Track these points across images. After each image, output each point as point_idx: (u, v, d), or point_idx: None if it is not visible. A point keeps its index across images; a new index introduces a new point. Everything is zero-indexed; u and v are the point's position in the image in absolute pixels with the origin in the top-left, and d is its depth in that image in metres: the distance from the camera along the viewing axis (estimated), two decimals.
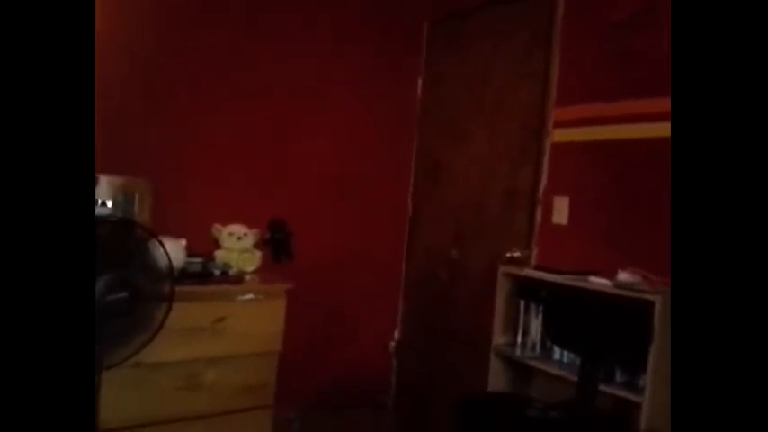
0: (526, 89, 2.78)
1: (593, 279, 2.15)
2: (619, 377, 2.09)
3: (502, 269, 2.52)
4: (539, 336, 2.42)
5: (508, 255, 2.70)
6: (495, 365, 2.49)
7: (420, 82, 3.41)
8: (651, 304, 1.88)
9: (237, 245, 2.57)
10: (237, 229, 2.59)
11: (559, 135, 2.60)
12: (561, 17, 2.62)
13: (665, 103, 2.18)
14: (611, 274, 2.15)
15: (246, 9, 2.82)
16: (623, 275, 2.13)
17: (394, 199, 3.41)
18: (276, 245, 2.64)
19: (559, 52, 2.62)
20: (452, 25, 3.25)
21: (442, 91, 3.28)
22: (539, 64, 2.72)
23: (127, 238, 1.82)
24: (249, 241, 2.60)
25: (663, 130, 2.19)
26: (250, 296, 2.39)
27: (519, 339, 2.49)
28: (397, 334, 3.45)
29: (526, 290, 2.47)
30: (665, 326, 1.87)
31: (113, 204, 2.26)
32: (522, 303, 2.48)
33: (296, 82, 3.00)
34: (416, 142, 3.43)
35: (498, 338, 2.51)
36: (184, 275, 2.23)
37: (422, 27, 3.41)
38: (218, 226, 2.61)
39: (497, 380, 2.49)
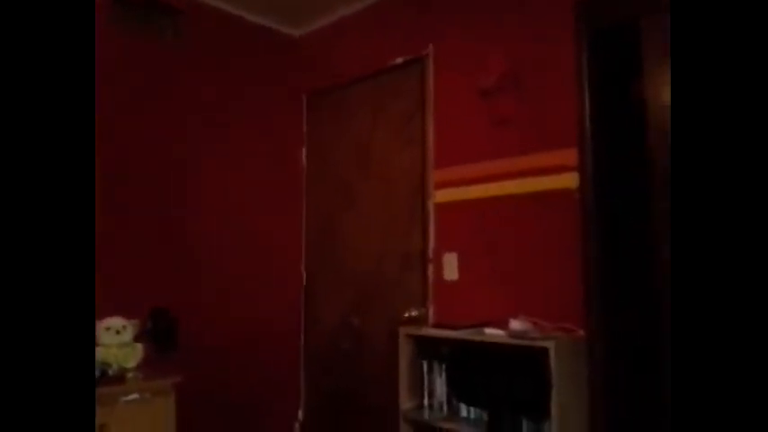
0: (407, 154, 2.88)
1: (488, 331, 2.19)
2: (525, 427, 2.10)
3: (402, 331, 2.50)
4: (445, 395, 2.40)
5: (406, 315, 2.70)
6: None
7: (304, 151, 3.43)
8: (545, 351, 1.94)
9: (116, 339, 2.34)
10: (115, 321, 2.36)
11: (440, 195, 2.71)
12: (433, 86, 2.78)
13: (530, 161, 2.38)
14: (504, 324, 2.21)
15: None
16: (515, 324, 2.19)
17: (285, 270, 3.32)
18: (158, 335, 2.44)
19: (433, 118, 2.76)
20: (331, 97, 3.33)
21: (328, 159, 3.31)
22: (416, 130, 2.84)
23: None
24: (128, 334, 2.37)
25: (531, 184, 2.37)
26: (134, 396, 2.17)
27: (426, 401, 2.46)
28: (301, 414, 3.28)
29: (427, 349, 2.47)
30: (562, 371, 1.93)
31: None
32: (425, 364, 2.46)
33: (175, 157, 2.89)
34: (305, 210, 3.41)
35: (405, 403, 2.46)
36: None
37: (300, 99, 3.46)
38: None
39: None
